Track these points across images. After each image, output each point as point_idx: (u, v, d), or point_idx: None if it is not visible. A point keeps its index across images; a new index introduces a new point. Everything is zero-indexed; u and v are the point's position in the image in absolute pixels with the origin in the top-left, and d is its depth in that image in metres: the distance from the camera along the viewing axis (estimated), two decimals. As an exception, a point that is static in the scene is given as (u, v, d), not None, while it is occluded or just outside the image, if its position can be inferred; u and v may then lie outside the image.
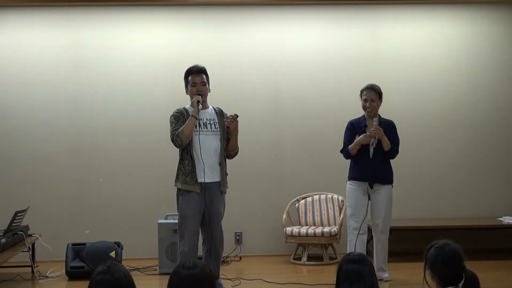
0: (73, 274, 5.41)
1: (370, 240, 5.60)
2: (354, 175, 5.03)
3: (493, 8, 6.64)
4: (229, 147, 4.64)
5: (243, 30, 6.51)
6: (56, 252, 5.75)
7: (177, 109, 4.64)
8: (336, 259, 5.94)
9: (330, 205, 6.23)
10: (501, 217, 6.32)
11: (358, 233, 4.95)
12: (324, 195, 6.32)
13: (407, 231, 6.02)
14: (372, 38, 6.56)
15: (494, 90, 6.64)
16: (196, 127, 4.48)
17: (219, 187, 4.58)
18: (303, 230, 5.97)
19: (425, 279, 2.68)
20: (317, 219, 6.21)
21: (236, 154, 4.72)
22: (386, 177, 5.00)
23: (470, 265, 2.65)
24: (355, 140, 4.94)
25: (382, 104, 5.06)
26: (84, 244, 5.57)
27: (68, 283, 5.34)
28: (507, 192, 6.60)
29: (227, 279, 5.18)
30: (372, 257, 5.21)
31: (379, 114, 5.01)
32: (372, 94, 4.94)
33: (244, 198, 6.36)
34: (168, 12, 6.46)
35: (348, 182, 5.08)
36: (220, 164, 4.59)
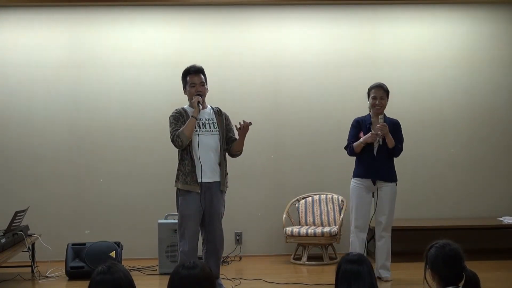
0: (73, 274, 5.41)
1: (371, 239, 5.60)
2: (358, 172, 5.07)
3: (493, 8, 6.64)
4: (234, 147, 4.64)
5: (243, 30, 6.50)
6: (56, 252, 5.75)
7: (176, 110, 4.64)
8: (336, 259, 5.93)
9: (330, 205, 6.23)
10: (501, 217, 6.31)
11: (358, 231, 4.99)
12: (324, 195, 6.32)
13: (407, 231, 6.02)
14: (372, 38, 6.56)
15: (494, 90, 6.63)
16: (195, 127, 4.48)
17: (219, 187, 4.58)
18: (303, 230, 5.96)
19: (426, 279, 2.68)
20: (317, 219, 6.21)
21: (239, 155, 4.73)
22: (389, 175, 5.02)
23: (470, 265, 2.65)
24: (361, 139, 4.97)
25: (382, 104, 5.09)
26: (84, 244, 5.56)
27: (68, 283, 5.34)
28: (507, 192, 6.60)
29: (227, 279, 5.18)
30: (373, 257, 5.22)
31: (384, 113, 5.05)
32: (381, 92, 5.01)
33: (244, 198, 6.36)
34: (168, 12, 6.45)
35: (352, 179, 5.11)
36: (220, 164, 4.59)
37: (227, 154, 4.71)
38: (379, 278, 4.98)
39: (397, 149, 4.99)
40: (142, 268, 5.75)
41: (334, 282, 2.62)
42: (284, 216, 6.16)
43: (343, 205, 6.13)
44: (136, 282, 2.50)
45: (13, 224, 5.23)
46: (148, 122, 6.36)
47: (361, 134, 5.00)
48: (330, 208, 6.22)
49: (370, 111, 5.10)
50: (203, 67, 4.67)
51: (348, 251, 4.77)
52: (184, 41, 6.44)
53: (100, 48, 6.40)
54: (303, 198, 6.37)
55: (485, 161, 6.60)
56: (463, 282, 2.59)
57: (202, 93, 4.56)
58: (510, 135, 6.64)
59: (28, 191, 6.25)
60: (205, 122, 4.57)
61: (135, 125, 6.39)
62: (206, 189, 4.51)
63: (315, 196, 6.33)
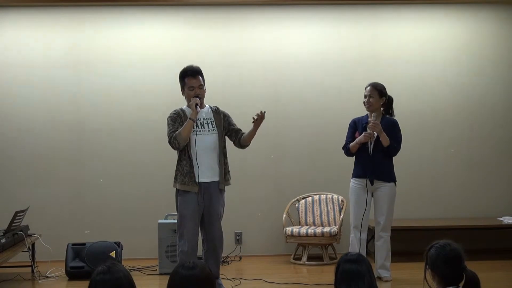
0: (73, 274, 5.41)
1: (371, 239, 5.60)
2: (356, 172, 5.09)
3: (493, 8, 6.63)
4: (245, 138, 4.65)
5: (243, 30, 6.50)
6: (56, 252, 5.74)
7: (174, 110, 4.63)
8: (336, 259, 5.93)
9: (330, 205, 6.23)
10: (501, 217, 6.32)
11: (356, 231, 5.00)
12: (324, 195, 6.32)
13: (407, 231, 6.02)
14: (372, 38, 6.56)
15: (494, 90, 6.63)
16: (193, 127, 4.48)
17: (218, 186, 4.58)
18: (303, 230, 5.96)
19: (426, 279, 2.68)
20: (317, 219, 6.20)
21: (248, 145, 4.74)
22: (387, 174, 5.02)
23: (470, 265, 2.65)
24: (356, 139, 4.98)
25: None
26: (84, 244, 5.57)
27: (68, 283, 5.34)
28: (507, 192, 6.60)
29: (227, 279, 5.18)
30: (373, 257, 5.22)
31: (382, 113, 5.04)
32: (370, 91, 5.02)
33: (244, 198, 6.35)
34: (168, 12, 6.45)
35: (351, 179, 5.12)
36: (219, 163, 4.58)
37: (238, 146, 4.72)
38: (379, 278, 4.98)
39: (393, 148, 4.97)
40: (142, 268, 5.75)
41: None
42: (284, 216, 6.16)
43: (343, 205, 6.13)
44: (136, 282, 2.50)
45: (13, 224, 5.23)
46: (149, 122, 6.35)
47: (357, 134, 5.03)
48: (330, 208, 6.22)
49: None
50: (203, 67, 4.66)
51: (348, 251, 4.76)
52: (184, 41, 6.43)
53: (100, 48, 6.39)
54: (303, 198, 6.36)
55: (485, 161, 6.60)
56: (463, 282, 2.59)
57: (201, 96, 4.55)
58: (510, 135, 6.64)
59: (28, 191, 6.25)
60: (203, 121, 4.57)
61: (135, 125, 6.39)
62: (205, 189, 4.51)
63: (315, 196, 6.33)
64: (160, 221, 5.71)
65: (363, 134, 4.94)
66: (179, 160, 4.57)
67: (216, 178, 4.57)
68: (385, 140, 4.92)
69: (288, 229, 6.01)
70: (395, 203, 5.11)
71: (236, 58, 6.46)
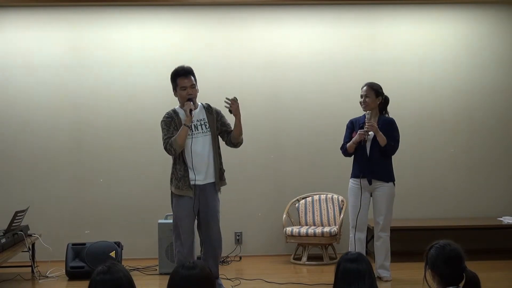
0: (73, 274, 5.41)
1: (370, 239, 5.60)
2: (354, 173, 5.10)
3: (493, 8, 6.63)
4: (233, 135, 4.60)
5: (243, 30, 6.50)
6: (56, 252, 5.75)
7: (167, 113, 4.60)
8: (336, 259, 5.93)
9: (330, 205, 6.23)
10: (501, 217, 6.32)
11: (355, 231, 5.00)
12: (324, 195, 6.32)
13: (407, 231, 6.02)
14: (372, 38, 6.56)
15: (494, 90, 6.63)
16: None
17: (214, 187, 4.57)
18: (303, 230, 5.96)
19: (426, 279, 2.68)
20: (317, 219, 6.20)
21: (241, 142, 4.66)
22: (385, 174, 5.01)
23: (470, 265, 2.65)
24: (352, 139, 5.00)
25: (382, 103, 5.09)
26: (84, 244, 5.57)
27: (68, 283, 5.34)
28: (507, 192, 6.60)
29: (227, 279, 5.19)
30: (373, 257, 5.22)
31: (379, 112, 5.04)
32: (366, 91, 5.02)
33: (244, 198, 6.36)
34: (168, 12, 6.45)
35: (350, 179, 5.12)
36: (214, 164, 4.57)
37: (231, 145, 4.67)
38: (379, 278, 4.98)
39: (389, 147, 4.96)
40: (142, 268, 5.75)
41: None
42: (284, 216, 6.16)
43: (343, 205, 6.13)
44: (136, 282, 2.50)
45: (13, 224, 5.23)
46: (149, 122, 6.33)
47: (354, 134, 5.03)
48: (330, 208, 6.22)
49: None
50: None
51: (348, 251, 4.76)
52: (184, 41, 6.43)
53: (100, 48, 6.39)
54: (303, 198, 6.36)
55: (485, 161, 6.60)
56: (463, 282, 2.59)
57: (193, 96, 4.53)
58: (510, 135, 6.64)
59: (28, 191, 6.26)
60: (197, 123, 4.55)
61: (135, 125, 6.39)
62: (200, 191, 4.51)
63: (315, 196, 6.33)
64: (160, 221, 5.71)
65: (358, 133, 4.95)
66: (174, 164, 4.57)
67: (212, 180, 4.56)
68: (382, 140, 4.92)
69: (288, 229, 6.01)
70: (394, 203, 5.11)
71: (236, 58, 6.46)
